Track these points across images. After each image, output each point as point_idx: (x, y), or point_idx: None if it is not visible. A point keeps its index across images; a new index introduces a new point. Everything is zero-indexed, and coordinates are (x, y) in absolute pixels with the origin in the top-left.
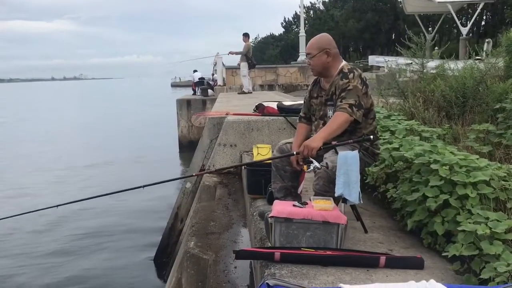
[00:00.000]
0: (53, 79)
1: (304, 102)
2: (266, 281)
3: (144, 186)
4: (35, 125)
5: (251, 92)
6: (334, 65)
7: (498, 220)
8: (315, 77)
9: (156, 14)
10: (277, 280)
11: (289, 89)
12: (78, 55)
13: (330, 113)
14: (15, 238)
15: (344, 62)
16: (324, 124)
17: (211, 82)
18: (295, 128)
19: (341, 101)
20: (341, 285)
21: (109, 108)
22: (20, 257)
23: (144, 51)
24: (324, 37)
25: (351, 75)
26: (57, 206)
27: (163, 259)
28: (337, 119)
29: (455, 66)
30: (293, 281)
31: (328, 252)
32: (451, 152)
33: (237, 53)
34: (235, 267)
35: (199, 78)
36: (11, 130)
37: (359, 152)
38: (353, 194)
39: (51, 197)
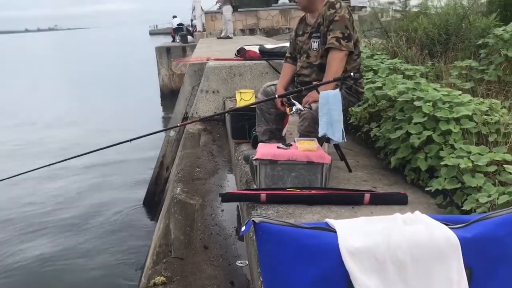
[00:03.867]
0: (26, 31)
1: (290, 42)
2: (252, 219)
3: (131, 140)
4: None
5: (231, 38)
6: None
7: (480, 154)
8: (301, 16)
9: None
10: (263, 217)
11: (270, 33)
12: (52, 4)
13: (314, 45)
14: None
15: None
16: (307, 57)
17: (190, 28)
18: (278, 72)
19: (329, 35)
20: (327, 220)
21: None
22: (19, 209)
23: None
24: None
25: (337, 5)
26: (49, 165)
27: (150, 207)
28: (331, 60)
29: (438, 3)
30: (279, 219)
31: (313, 192)
32: (434, 89)
33: (224, 0)
34: (222, 210)
35: (177, 24)
36: None
37: (341, 90)
38: (337, 133)
39: (41, 157)
